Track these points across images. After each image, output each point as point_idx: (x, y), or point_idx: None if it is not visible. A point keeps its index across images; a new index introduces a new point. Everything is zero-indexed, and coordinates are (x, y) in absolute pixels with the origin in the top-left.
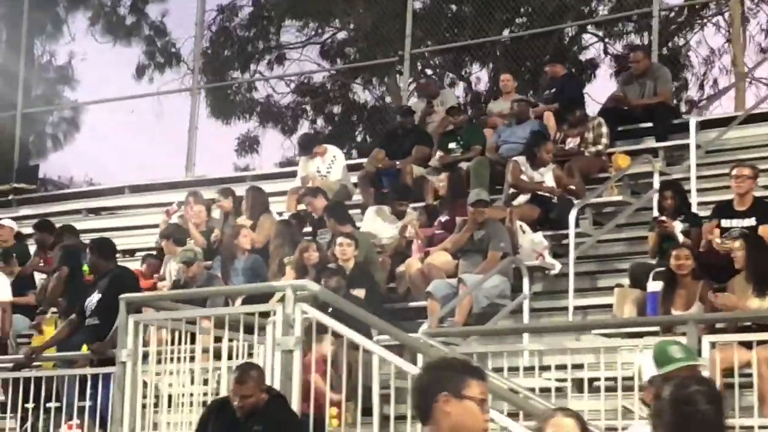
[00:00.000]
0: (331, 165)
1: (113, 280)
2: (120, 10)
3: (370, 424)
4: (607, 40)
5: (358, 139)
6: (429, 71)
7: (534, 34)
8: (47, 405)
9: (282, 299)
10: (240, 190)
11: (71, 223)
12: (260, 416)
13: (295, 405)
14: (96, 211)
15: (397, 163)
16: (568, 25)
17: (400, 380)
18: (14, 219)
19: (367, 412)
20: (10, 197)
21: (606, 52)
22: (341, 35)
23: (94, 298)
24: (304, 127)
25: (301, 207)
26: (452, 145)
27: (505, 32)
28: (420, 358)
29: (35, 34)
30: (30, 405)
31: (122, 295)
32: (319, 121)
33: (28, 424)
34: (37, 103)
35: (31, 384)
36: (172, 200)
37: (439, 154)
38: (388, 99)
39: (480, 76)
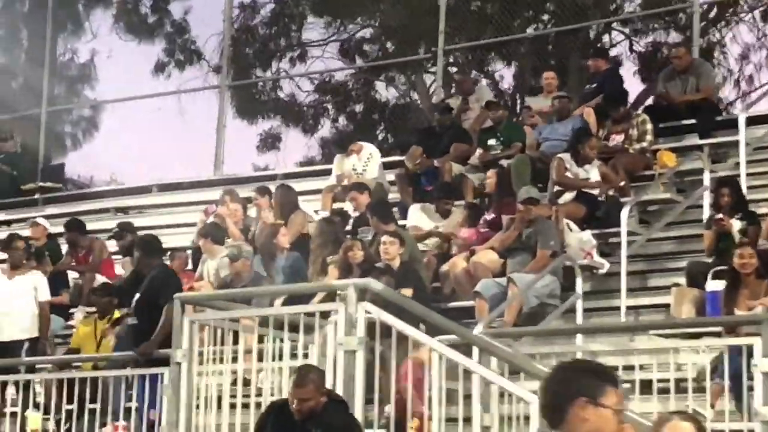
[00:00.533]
0: (367, 162)
1: (153, 280)
2: (141, 8)
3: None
4: (633, 37)
5: (380, 137)
6: (453, 69)
7: (560, 32)
8: (88, 406)
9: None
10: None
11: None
12: (318, 420)
13: (358, 407)
14: (124, 210)
15: (436, 161)
16: (600, 21)
17: (450, 381)
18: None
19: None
20: (37, 196)
21: (632, 50)
22: (364, 33)
23: (136, 297)
24: (325, 126)
25: (337, 205)
26: (491, 142)
27: (530, 30)
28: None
29: (57, 32)
30: (71, 406)
31: (177, 295)
32: (341, 120)
33: (71, 426)
34: (58, 101)
35: (73, 385)
36: (201, 199)
37: (479, 151)
38: (414, 96)
39: (503, 73)
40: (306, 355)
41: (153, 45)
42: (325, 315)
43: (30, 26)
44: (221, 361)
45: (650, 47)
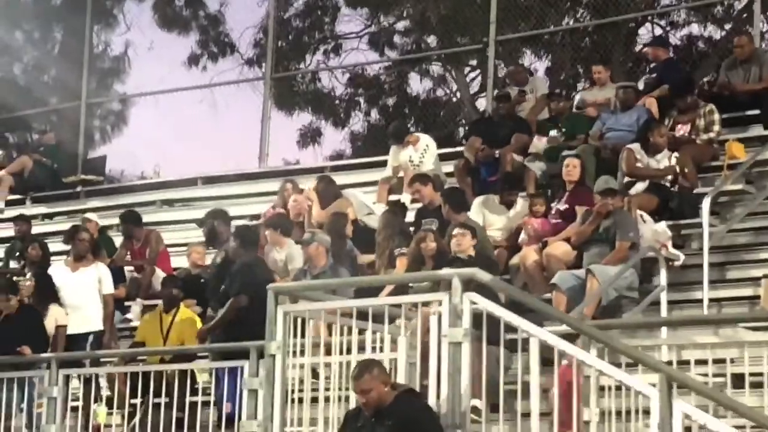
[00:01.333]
0: (424, 154)
1: (240, 270)
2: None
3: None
4: (669, 29)
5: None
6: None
7: (598, 25)
8: (155, 401)
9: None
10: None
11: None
12: (389, 412)
13: (465, 401)
14: (170, 203)
15: (497, 151)
16: (650, 12)
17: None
18: (82, 212)
19: (494, 408)
20: (78, 189)
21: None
22: (399, 25)
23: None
24: (357, 120)
25: (393, 197)
26: (553, 133)
27: (570, 21)
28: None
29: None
30: (136, 400)
31: (271, 285)
32: (373, 113)
33: (145, 419)
34: (91, 94)
35: (141, 379)
36: (246, 191)
37: (543, 140)
38: (447, 89)
39: (536, 66)
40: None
41: (187, 37)
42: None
43: (65, 19)
44: (313, 353)
45: (685, 40)
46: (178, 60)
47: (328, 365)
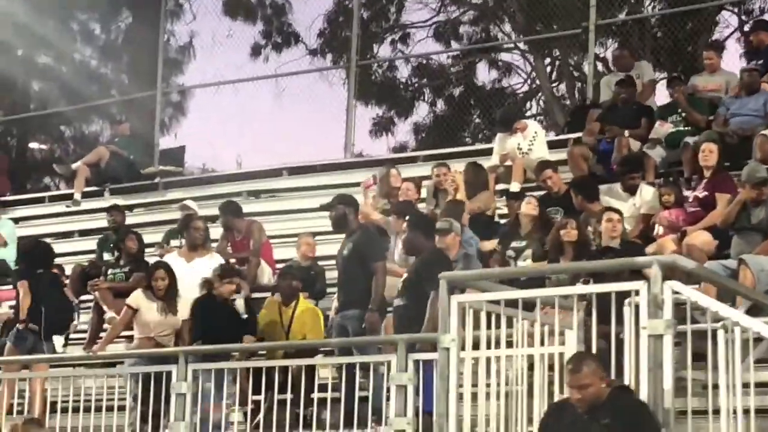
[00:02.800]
0: (533, 141)
1: (426, 261)
2: None
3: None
4: (744, 18)
5: (478, 123)
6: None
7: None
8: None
9: None
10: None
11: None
12: (605, 409)
13: (668, 398)
14: (256, 194)
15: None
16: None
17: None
18: (161, 203)
19: None
20: (157, 180)
21: (742, 32)
22: (468, 15)
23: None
24: (421, 110)
25: (499, 187)
26: (672, 119)
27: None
28: None
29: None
30: (259, 397)
31: (444, 274)
32: (439, 104)
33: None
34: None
35: (266, 374)
36: (333, 182)
37: (666, 126)
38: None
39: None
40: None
41: (254, 26)
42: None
43: (133, 6)
44: (488, 346)
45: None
46: (244, 50)
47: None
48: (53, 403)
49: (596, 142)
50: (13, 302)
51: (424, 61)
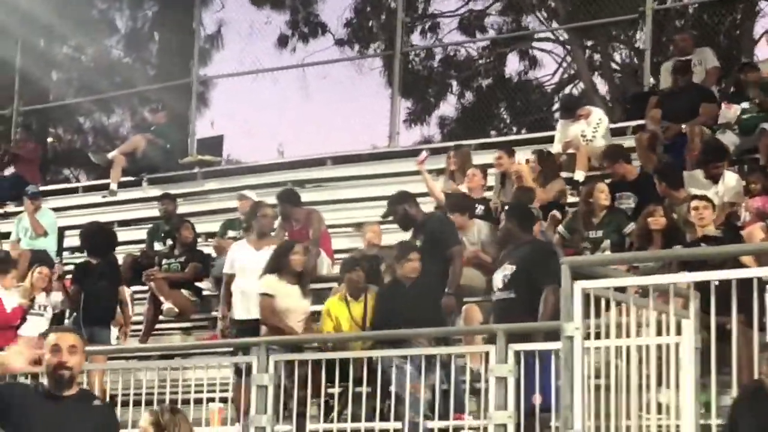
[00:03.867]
0: (597, 128)
1: (535, 253)
2: None
3: None
4: None
5: (504, 116)
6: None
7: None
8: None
9: None
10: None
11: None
12: None
13: None
14: (301, 184)
15: (683, 125)
16: None
17: None
18: (200, 194)
19: None
20: (195, 170)
21: None
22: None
23: (506, 270)
24: (449, 102)
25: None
26: (745, 105)
27: None
28: None
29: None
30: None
31: (566, 259)
32: (467, 95)
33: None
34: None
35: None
36: (379, 172)
37: (733, 109)
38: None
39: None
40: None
41: (280, 15)
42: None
43: None
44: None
45: None
46: (271, 40)
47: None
48: (112, 396)
49: (661, 130)
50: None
51: (452, 53)
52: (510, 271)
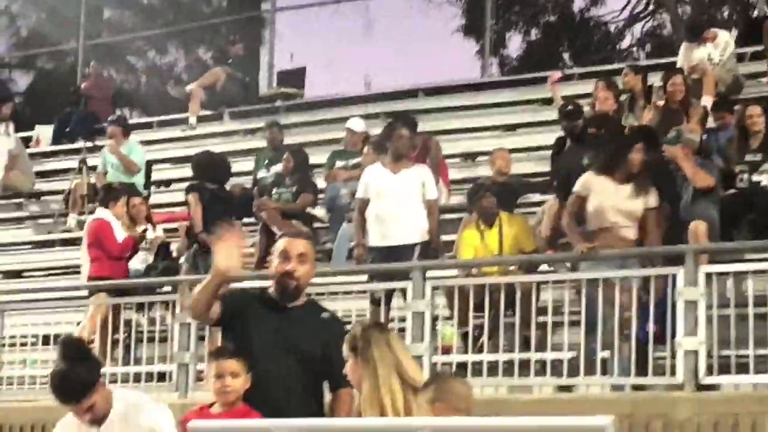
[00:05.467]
0: (724, 52)
1: None
2: None
3: None
4: None
5: (566, 56)
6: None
7: None
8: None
9: None
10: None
11: None
12: None
13: None
14: (393, 116)
15: None
16: None
17: None
18: (281, 127)
19: None
20: (277, 103)
21: None
22: None
23: None
24: (513, 41)
25: None
26: None
27: None
28: None
29: None
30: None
31: None
32: (533, 33)
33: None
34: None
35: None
36: (470, 103)
37: None
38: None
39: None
40: None
41: None
42: None
43: None
44: None
45: None
46: None
47: None
48: None
49: None
50: (169, 225)
51: None
52: None
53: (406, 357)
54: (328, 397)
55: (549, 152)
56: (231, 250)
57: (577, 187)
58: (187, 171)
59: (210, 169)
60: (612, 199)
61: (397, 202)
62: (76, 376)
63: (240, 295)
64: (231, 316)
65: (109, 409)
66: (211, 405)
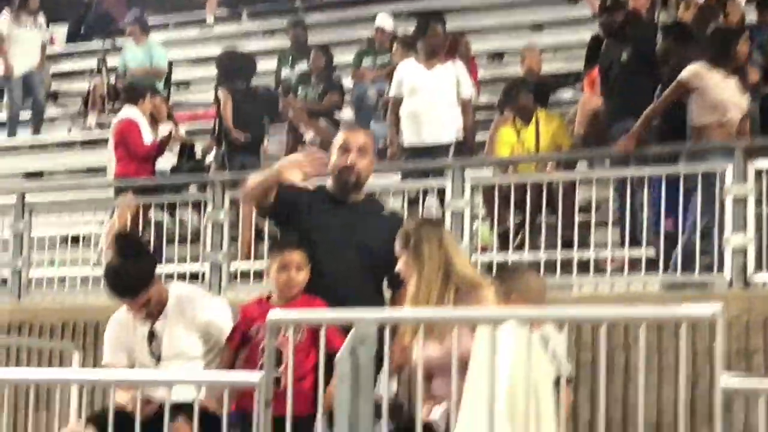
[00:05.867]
0: None
1: None
2: None
3: None
4: None
5: None
6: None
7: None
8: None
9: None
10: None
11: None
12: None
13: None
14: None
15: None
16: None
17: None
18: (304, 28)
19: None
20: (297, 2)
21: None
22: None
23: None
24: None
25: None
26: None
27: None
28: None
29: None
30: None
31: None
32: None
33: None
34: None
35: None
36: (494, 1)
37: None
38: None
39: None
40: None
41: None
42: None
43: None
44: None
45: None
46: None
47: None
48: None
49: None
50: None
51: None
52: None
53: (458, 254)
54: (387, 294)
55: (575, 51)
56: (299, 166)
57: (687, 75)
58: (204, 71)
59: (237, 67)
60: (727, 93)
61: (431, 99)
62: (133, 271)
63: (297, 189)
64: (288, 207)
65: (164, 304)
66: (268, 297)
